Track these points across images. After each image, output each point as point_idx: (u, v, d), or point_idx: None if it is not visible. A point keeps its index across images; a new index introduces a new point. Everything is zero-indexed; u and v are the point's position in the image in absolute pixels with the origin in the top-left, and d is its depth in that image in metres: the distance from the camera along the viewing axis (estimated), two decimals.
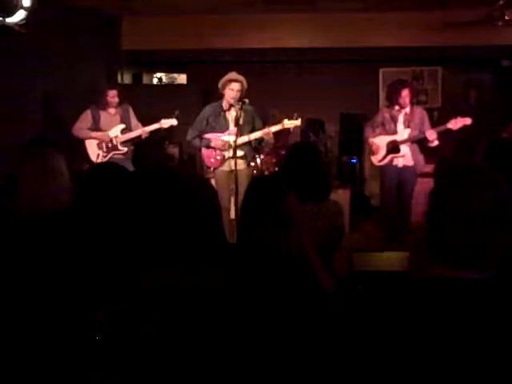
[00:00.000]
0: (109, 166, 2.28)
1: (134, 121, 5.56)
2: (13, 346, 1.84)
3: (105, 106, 5.45)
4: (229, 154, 4.89)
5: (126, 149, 5.48)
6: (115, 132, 5.46)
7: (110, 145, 5.46)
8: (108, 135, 5.43)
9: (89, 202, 2.09)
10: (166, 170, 1.51)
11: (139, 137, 5.46)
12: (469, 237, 1.13)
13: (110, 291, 1.49)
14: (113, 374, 1.31)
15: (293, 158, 2.75)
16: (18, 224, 2.16)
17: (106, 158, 5.44)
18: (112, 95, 5.41)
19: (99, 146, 5.47)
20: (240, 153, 4.89)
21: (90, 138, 5.45)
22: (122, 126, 5.47)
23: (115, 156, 5.46)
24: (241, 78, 4.90)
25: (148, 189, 1.42)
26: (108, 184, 2.10)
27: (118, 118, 5.50)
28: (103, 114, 5.48)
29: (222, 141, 4.94)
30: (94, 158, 5.48)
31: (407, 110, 5.21)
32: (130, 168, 5.24)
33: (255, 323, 1.34)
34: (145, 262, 1.43)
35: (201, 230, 1.41)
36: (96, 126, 5.45)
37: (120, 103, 5.49)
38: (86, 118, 5.47)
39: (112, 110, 5.50)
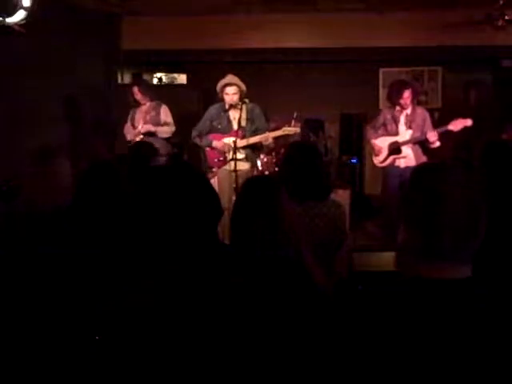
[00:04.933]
0: (105, 165, 2.27)
1: (164, 118, 5.70)
2: (12, 345, 1.84)
3: (136, 102, 5.77)
4: (230, 155, 4.90)
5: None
6: (138, 128, 5.68)
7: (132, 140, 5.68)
8: (135, 132, 5.69)
9: (86, 200, 2.09)
10: (174, 169, 1.51)
11: (155, 132, 5.62)
12: (443, 231, 1.14)
13: (110, 290, 1.49)
14: (113, 373, 1.32)
15: (291, 157, 2.75)
16: (20, 223, 2.17)
17: None
18: (134, 92, 5.71)
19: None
20: (241, 155, 4.91)
21: (129, 138, 5.77)
22: (141, 122, 5.68)
23: None
24: (236, 81, 4.89)
25: (156, 185, 1.43)
26: (103, 183, 2.10)
27: (144, 114, 5.72)
28: (137, 112, 5.79)
29: (224, 143, 4.95)
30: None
31: (408, 110, 5.22)
32: None
33: (251, 322, 1.34)
34: (144, 260, 1.43)
35: (199, 230, 1.41)
36: (132, 124, 5.79)
37: (150, 100, 5.73)
38: (128, 120, 5.84)
39: (144, 107, 5.76)
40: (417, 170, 1.27)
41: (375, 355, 1.07)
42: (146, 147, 3.90)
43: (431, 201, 1.16)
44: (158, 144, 5.75)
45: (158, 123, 5.65)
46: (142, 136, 5.62)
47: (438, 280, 1.13)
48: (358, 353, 1.08)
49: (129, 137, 5.76)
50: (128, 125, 5.83)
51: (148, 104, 5.73)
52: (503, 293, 1.15)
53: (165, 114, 5.73)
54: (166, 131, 5.66)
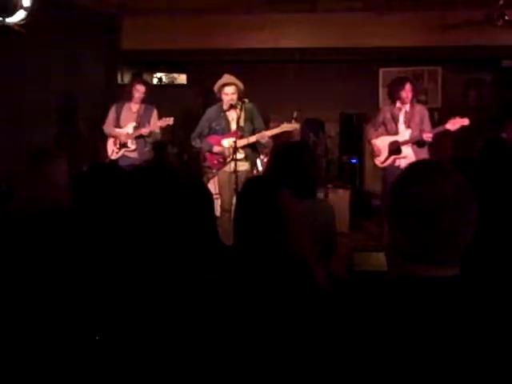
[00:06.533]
0: (106, 166, 2.28)
1: (155, 124, 5.49)
2: (12, 345, 1.83)
3: (129, 98, 5.46)
4: (230, 155, 4.88)
5: (134, 146, 5.48)
6: (127, 129, 5.50)
7: (121, 142, 5.50)
8: (123, 133, 5.48)
9: (85, 201, 2.09)
10: (157, 171, 1.51)
11: (149, 136, 5.46)
12: (429, 231, 1.14)
13: (109, 290, 1.49)
14: (112, 373, 1.32)
15: (274, 155, 2.80)
16: (15, 222, 2.17)
17: (119, 155, 5.51)
18: (138, 89, 5.41)
19: (114, 143, 5.55)
20: (240, 155, 4.89)
21: (111, 135, 5.53)
22: (133, 123, 5.48)
23: (127, 153, 5.51)
24: (234, 80, 4.86)
25: (142, 188, 1.43)
26: (104, 184, 2.10)
27: (135, 115, 5.51)
28: (124, 110, 5.51)
29: (223, 146, 4.92)
30: (110, 153, 5.57)
31: (407, 108, 5.20)
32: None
33: (253, 322, 1.34)
34: (143, 263, 1.43)
35: (194, 231, 1.41)
36: (117, 122, 5.52)
37: (144, 101, 5.49)
38: (111, 114, 5.55)
39: (134, 107, 5.51)
40: (403, 172, 1.27)
41: (370, 355, 1.07)
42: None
43: (416, 203, 1.15)
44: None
45: (147, 125, 5.48)
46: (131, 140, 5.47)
47: (425, 278, 1.13)
48: (356, 353, 1.08)
49: (115, 137, 5.52)
50: (110, 119, 5.53)
51: (138, 105, 5.52)
52: (492, 291, 1.15)
53: (156, 119, 5.53)
54: (156, 137, 5.55)
